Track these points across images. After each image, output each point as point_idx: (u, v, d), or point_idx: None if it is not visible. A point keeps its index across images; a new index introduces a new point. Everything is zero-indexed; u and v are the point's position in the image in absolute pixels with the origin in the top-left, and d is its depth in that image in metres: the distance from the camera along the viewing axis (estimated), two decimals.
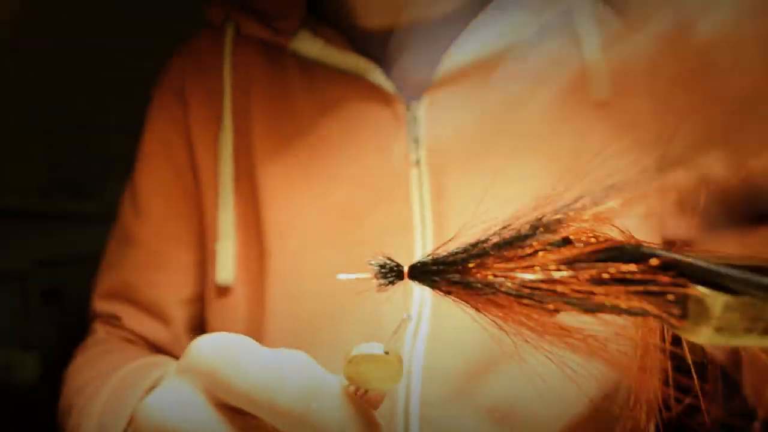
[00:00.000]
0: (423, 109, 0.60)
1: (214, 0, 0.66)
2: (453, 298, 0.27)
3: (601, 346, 0.25)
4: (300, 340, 0.60)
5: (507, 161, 0.58)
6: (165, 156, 0.67)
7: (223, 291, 0.63)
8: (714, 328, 0.23)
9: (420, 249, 0.58)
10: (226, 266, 0.62)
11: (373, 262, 0.29)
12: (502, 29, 0.61)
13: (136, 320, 0.65)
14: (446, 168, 0.59)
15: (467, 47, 0.61)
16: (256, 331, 0.61)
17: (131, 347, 0.64)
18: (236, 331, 0.61)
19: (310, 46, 0.63)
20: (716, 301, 0.23)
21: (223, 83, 0.65)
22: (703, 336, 0.23)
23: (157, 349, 0.65)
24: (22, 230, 1.21)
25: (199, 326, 0.68)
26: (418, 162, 0.60)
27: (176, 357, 0.64)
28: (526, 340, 0.26)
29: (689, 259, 0.24)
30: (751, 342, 0.24)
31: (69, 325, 0.74)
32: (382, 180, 0.61)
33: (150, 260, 0.66)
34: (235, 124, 0.64)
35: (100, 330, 0.66)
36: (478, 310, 0.26)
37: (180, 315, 0.65)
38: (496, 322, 0.26)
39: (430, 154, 0.60)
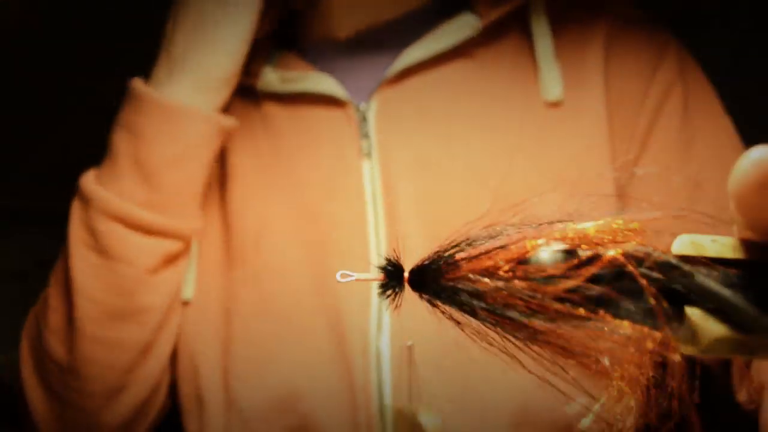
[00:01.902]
0: (372, 108, 0.65)
1: None
2: (445, 311, 0.27)
3: (594, 356, 0.25)
4: (269, 340, 0.61)
5: (459, 160, 0.61)
6: None
7: (185, 306, 0.67)
8: (700, 350, 0.23)
9: (374, 242, 0.60)
10: (188, 282, 0.66)
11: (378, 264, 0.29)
12: (449, 30, 0.64)
13: None
14: (396, 163, 0.62)
15: (416, 48, 0.64)
16: (225, 337, 0.63)
17: None
18: (204, 340, 0.65)
19: (270, 81, 0.69)
20: (706, 334, 0.23)
21: None
22: (687, 351, 0.23)
23: None
24: (22, 230, 1.21)
25: None
26: (369, 154, 0.63)
27: None
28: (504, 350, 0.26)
29: (701, 281, 0.23)
30: (739, 356, 0.24)
31: None
32: (337, 176, 0.65)
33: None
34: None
35: None
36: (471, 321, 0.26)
37: None
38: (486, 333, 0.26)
39: (380, 148, 0.64)
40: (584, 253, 0.24)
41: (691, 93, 0.66)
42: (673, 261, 0.24)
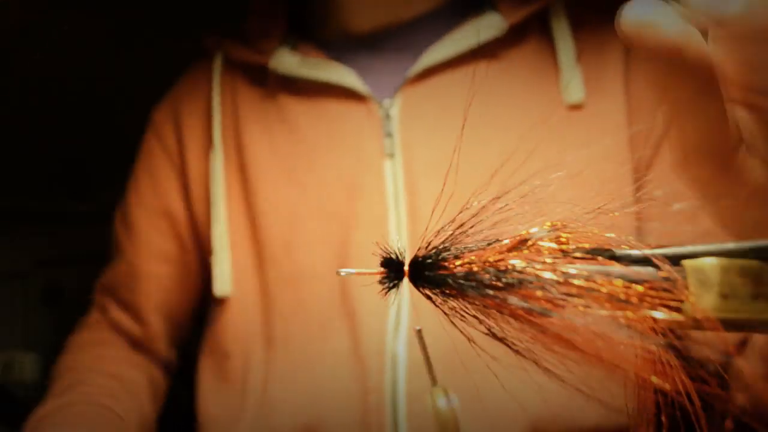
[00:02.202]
0: (396, 106, 0.64)
1: (211, 29, 0.72)
2: (444, 306, 0.27)
3: (606, 350, 0.25)
4: (303, 341, 0.61)
5: (482, 158, 0.60)
6: (152, 181, 0.72)
7: (222, 302, 0.67)
8: (719, 295, 0.23)
9: (396, 243, 0.59)
10: (223, 278, 0.66)
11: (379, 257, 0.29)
12: (473, 30, 0.64)
13: (117, 314, 0.72)
14: (419, 162, 0.62)
15: (440, 47, 0.64)
16: (266, 336, 0.63)
17: (107, 348, 0.71)
18: (254, 340, 0.64)
19: (288, 62, 0.67)
20: (714, 265, 0.23)
21: (212, 107, 0.70)
22: (710, 305, 0.23)
23: (134, 341, 0.72)
24: (22, 230, 1.21)
25: (183, 331, 0.75)
26: (392, 155, 0.63)
27: (153, 352, 0.72)
28: (518, 351, 0.26)
29: (687, 249, 0.24)
30: (760, 311, 0.24)
31: (69, 325, 0.75)
32: (358, 174, 0.63)
33: (129, 270, 0.72)
34: (226, 144, 0.69)
35: (94, 313, 0.74)
36: (476, 316, 0.26)
37: (155, 320, 0.71)
38: (490, 329, 0.26)
39: (403, 147, 0.62)
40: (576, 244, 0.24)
41: None
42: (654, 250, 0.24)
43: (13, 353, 1.22)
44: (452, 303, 0.27)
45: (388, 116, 0.63)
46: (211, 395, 0.66)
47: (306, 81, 0.66)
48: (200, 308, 0.73)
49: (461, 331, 0.27)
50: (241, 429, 0.62)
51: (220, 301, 0.67)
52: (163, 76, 0.75)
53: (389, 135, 0.63)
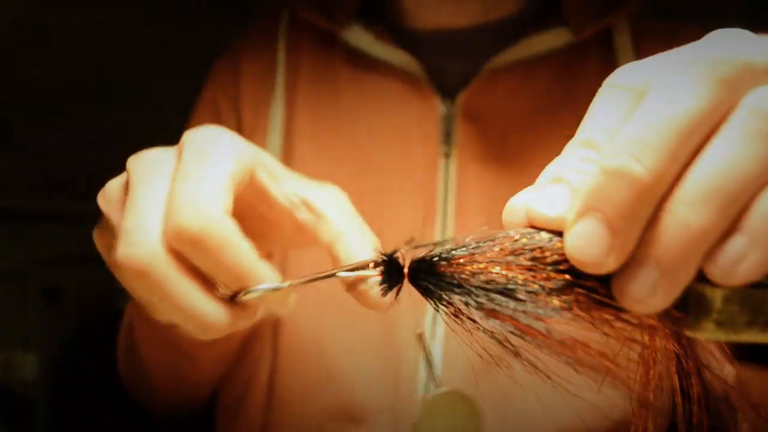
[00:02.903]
0: (457, 107, 0.63)
1: None
2: (446, 309, 0.27)
3: (606, 360, 0.25)
4: (319, 323, 0.60)
5: (534, 166, 0.59)
6: (214, 121, 0.70)
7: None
8: (715, 322, 0.23)
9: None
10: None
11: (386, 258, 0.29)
12: (542, 40, 0.64)
13: None
14: (474, 166, 0.61)
15: (506, 54, 0.64)
16: (296, 315, 0.62)
17: None
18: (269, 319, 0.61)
19: (360, 38, 0.66)
20: (716, 294, 0.23)
21: (276, 63, 0.69)
22: (704, 331, 0.23)
23: None
24: (22, 230, 1.21)
25: None
26: (447, 156, 0.62)
27: None
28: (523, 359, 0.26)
29: None
30: (752, 337, 0.24)
31: (69, 325, 0.75)
32: (411, 170, 0.63)
33: None
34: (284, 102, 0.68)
35: None
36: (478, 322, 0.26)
37: None
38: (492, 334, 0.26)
39: (460, 151, 0.62)
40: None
41: None
42: None
43: (13, 353, 1.22)
44: (455, 304, 0.27)
45: (447, 116, 0.63)
46: (231, 377, 0.66)
47: (371, 62, 0.66)
48: None
49: (460, 334, 0.27)
50: (267, 406, 0.61)
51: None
52: (163, 77, 0.75)
53: (447, 135, 0.63)
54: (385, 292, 0.30)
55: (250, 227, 0.33)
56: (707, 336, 0.24)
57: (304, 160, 0.65)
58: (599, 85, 0.68)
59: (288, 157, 0.66)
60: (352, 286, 0.33)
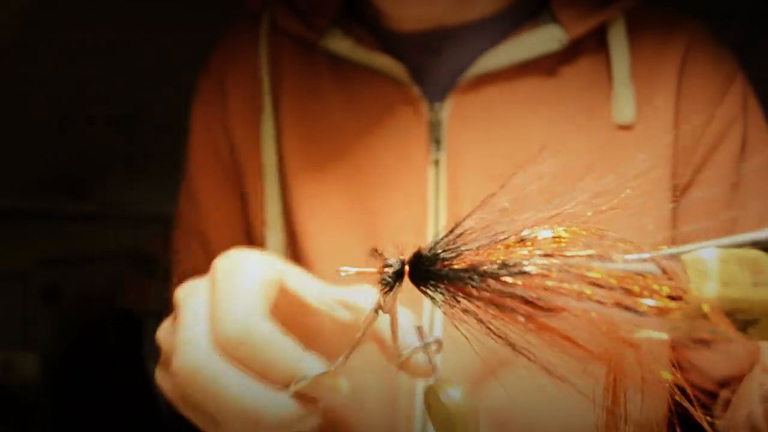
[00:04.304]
0: (446, 111, 0.62)
1: None
2: (444, 303, 0.27)
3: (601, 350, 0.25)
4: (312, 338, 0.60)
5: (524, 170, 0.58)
6: (211, 146, 0.69)
7: None
8: (720, 283, 0.23)
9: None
10: (277, 252, 0.64)
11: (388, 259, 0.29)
12: (532, 40, 0.62)
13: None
14: (465, 171, 0.60)
15: (495, 55, 0.62)
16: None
17: None
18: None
19: (339, 43, 0.65)
20: (712, 255, 0.24)
21: (260, 72, 0.68)
22: (712, 292, 0.23)
23: None
24: (22, 230, 1.21)
25: None
26: (437, 163, 0.62)
27: None
28: (521, 353, 0.26)
29: (686, 248, 0.24)
30: (761, 297, 0.24)
31: (69, 325, 0.74)
32: (401, 177, 0.62)
33: (209, 249, 0.69)
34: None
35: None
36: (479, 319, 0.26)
37: None
38: (490, 328, 0.26)
39: (450, 157, 0.61)
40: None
41: (750, 133, 0.65)
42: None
43: (13, 353, 1.22)
44: (456, 302, 0.27)
45: (438, 121, 0.63)
46: None
47: (354, 68, 0.65)
48: None
49: (463, 334, 0.27)
50: None
51: None
52: (163, 76, 0.75)
53: (436, 141, 0.62)
54: (384, 295, 0.29)
55: (293, 336, 0.34)
56: (716, 296, 0.23)
57: (293, 174, 0.65)
58: (591, 83, 0.66)
59: (282, 174, 0.66)
60: (404, 365, 0.34)
